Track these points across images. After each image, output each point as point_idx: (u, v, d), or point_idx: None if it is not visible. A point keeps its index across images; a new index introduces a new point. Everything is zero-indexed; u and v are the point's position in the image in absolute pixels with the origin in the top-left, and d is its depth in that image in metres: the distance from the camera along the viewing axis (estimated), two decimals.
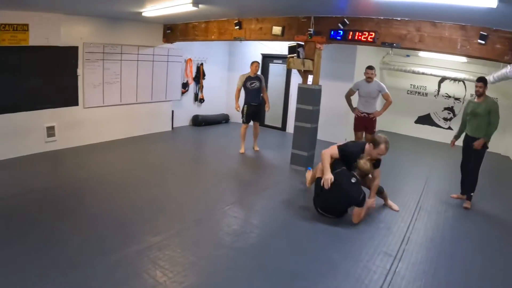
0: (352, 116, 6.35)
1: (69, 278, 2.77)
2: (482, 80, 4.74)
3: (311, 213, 4.33)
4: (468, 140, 4.91)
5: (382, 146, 4.04)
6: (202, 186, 5.15)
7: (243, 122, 6.86)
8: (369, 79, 5.87)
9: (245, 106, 6.80)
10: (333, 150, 4.22)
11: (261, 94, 6.89)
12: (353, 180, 3.98)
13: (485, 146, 4.77)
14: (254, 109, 6.81)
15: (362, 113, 6.07)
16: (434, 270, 3.27)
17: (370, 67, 5.91)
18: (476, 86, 4.77)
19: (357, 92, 6.11)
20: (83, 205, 4.23)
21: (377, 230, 4.04)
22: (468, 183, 4.93)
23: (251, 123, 6.94)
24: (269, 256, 3.33)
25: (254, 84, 6.67)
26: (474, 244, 3.87)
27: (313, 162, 6.15)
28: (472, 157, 4.87)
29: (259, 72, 6.91)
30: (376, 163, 4.25)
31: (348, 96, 6.18)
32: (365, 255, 3.47)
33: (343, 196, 3.96)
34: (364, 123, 6.08)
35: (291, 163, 6.12)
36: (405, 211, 4.63)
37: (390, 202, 4.70)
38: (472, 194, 4.89)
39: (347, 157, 4.18)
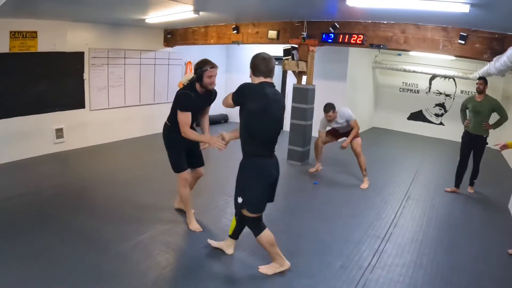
0: None
1: (90, 261, 3.09)
2: (482, 78, 5.03)
3: (304, 202, 4.75)
4: (468, 137, 5.20)
5: None
6: (204, 178, 5.43)
7: None
8: (329, 121, 5.43)
9: None
10: None
11: None
12: None
13: (485, 142, 5.12)
14: None
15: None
16: (419, 249, 3.62)
17: (326, 110, 5.26)
18: (477, 84, 5.06)
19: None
20: (95, 199, 4.54)
21: (367, 216, 4.39)
22: (472, 173, 5.32)
23: None
24: None
25: None
26: (458, 227, 4.21)
27: (309, 157, 6.52)
28: (474, 153, 5.20)
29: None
30: None
31: (318, 144, 5.72)
32: (356, 237, 3.83)
33: None
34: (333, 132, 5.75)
35: (288, 159, 6.46)
36: (394, 199, 5.00)
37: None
38: (475, 181, 5.36)
39: None
